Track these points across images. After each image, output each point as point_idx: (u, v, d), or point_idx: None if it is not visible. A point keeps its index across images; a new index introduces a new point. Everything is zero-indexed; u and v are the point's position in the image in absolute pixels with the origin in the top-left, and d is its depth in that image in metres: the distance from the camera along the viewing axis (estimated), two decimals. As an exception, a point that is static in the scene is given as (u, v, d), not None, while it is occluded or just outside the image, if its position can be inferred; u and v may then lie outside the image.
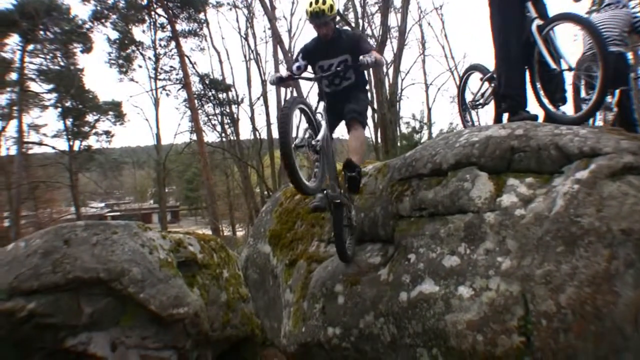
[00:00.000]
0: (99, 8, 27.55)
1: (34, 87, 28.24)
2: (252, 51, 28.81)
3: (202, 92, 29.74)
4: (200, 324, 6.08)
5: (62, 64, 28.62)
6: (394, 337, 3.30)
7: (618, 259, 2.55)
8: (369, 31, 21.63)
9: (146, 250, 5.94)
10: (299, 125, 3.20)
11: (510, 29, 4.05)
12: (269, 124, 27.85)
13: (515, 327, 2.66)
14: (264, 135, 28.71)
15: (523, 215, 2.96)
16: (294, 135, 3.00)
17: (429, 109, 27.90)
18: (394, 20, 22.66)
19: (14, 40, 26.91)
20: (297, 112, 3.09)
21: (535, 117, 3.95)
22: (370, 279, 3.62)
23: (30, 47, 27.22)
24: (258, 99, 28.86)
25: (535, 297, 2.64)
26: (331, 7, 3.85)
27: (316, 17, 3.85)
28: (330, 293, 3.88)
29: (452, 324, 2.90)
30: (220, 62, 31.14)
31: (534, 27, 3.88)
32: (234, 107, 29.93)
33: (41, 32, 26.83)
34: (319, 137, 3.22)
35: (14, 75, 27.14)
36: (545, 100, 3.99)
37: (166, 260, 6.07)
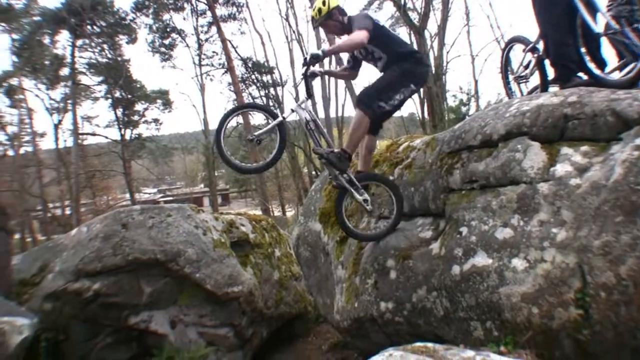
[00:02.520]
0: (140, -1, 28.09)
1: (85, 80, 29.30)
2: (294, 32, 28.71)
3: (246, 75, 29.97)
4: (255, 301, 6.26)
5: (109, 56, 29.51)
6: (447, 311, 3.30)
7: (681, 227, 2.44)
8: (410, 4, 21.10)
9: (200, 231, 6.13)
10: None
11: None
12: (313, 104, 27.80)
13: (572, 299, 2.60)
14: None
15: (579, 185, 2.86)
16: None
17: (476, 81, 27.19)
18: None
19: (64, 36, 27.97)
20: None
21: (589, 84, 3.79)
22: (421, 253, 3.62)
23: (80, 42, 28.13)
24: (302, 79, 28.83)
25: (594, 268, 2.57)
26: (319, 10, 4.16)
27: (312, 22, 4.31)
28: (382, 268, 3.91)
29: (506, 296, 2.87)
30: (263, 44, 31.40)
31: None
32: (278, 89, 30.04)
33: (88, 27, 27.65)
34: (257, 132, 3.82)
35: (66, 71, 28.18)
36: (592, 65, 3.82)
37: (220, 241, 6.26)
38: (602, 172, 2.81)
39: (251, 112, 4.58)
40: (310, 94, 4.10)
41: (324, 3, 4.16)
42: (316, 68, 4.23)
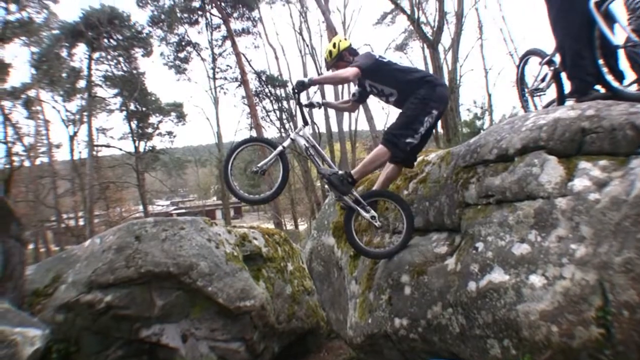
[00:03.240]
0: (155, 13, 28.52)
1: (101, 92, 29.79)
2: (307, 45, 28.92)
3: (260, 88, 30.20)
4: (267, 316, 6.22)
5: (125, 69, 29.97)
6: (463, 328, 3.23)
7: None
8: (423, 18, 21.14)
9: (213, 244, 6.13)
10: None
11: (568, 8, 3.85)
12: (327, 118, 27.91)
13: (593, 317, 2.53)
14: (322, 129, 28.81)
15: (598, 200, 2.80)
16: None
17: (489, 95, 27.08)
18: (449, 5, 22.08)
19: (81, 49, 28.48)
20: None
21: (608, 97, 3.74)
22: (437, 268, 3.56)
23: (96, 55, 28.62)
24: (315, 92, 28.98)
25: (615, 286, 2.50)
26: (330, 52, 4.41)
27: (325, 64, 4.55)
28: (397, 284, 3.86)
29: (524, 314, 2.80)
30: (276, 58, 31.56)
31: (591, 4, 3.68)
32: (291, 102, 30.19)
33: (105, 40, 28.11)
34: (260, 163, 3.95)
35: (82, 83, 28.64)
36: (610, 77, 3.77)
37: (232, 254, 6.25)
38: (622, 186, 2.75)
39: (255, 146, 4.71)
40: (306, 122, 4.20)
41: (334, 45, 4.38)
42: (316, 98, 4.36)
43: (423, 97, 3.98)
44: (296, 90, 3.97)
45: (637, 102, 3.28)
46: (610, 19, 3.62)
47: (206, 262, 5.82)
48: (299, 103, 4.14)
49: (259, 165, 3.93)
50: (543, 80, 4.68)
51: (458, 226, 3.63)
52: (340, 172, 3.99)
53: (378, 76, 4.15)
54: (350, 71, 3.94)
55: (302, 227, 32.22)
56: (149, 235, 5.84)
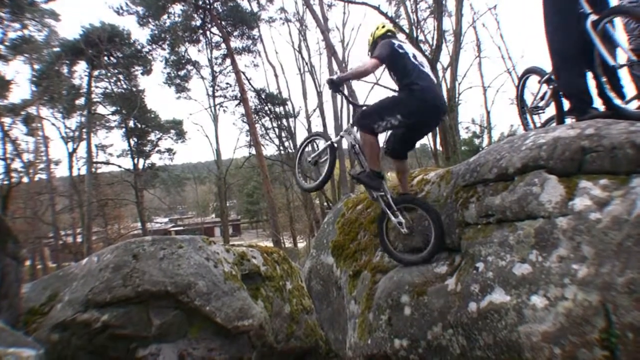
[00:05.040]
0: (156, 32, 28.77)
1: (100, 109, 29.96)
2: (307, 64, 29.15)
3: (259, 106, 30.36)
4: (265, 335, 6.15)
5: (125, 86, 30.13)
6: (463, 349, 3.18)
7: None
8: (421, 37, 21.32)
9: (211, 263, 6.09)
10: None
11: (564, 27, 3.88)
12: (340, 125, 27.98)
13: (596, 339, 2.48)
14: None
15: (599, 219, 2.77)
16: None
17: (488, 112, 27.22)
18: (447, 24, 22.27)
19: (81, 67, 28.68)
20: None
21: (606, 115, 3.74)
22: (437, 289, 3.52)
23: (96, 72, 28.79)
24: (314, 110, 29.15)
25: (619, 307, 2.46)
26: (369, 41, 4.60)
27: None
28: (396, 304, 3.81)
29: (525, 335, 2.76)
30: (276, 76, 31.78)
31: (588, 24, 3.70)
32: (290, 120, 30.33)
33: (105, 58, 28.30)
34: (312, 155, 4.51)
35: (82, 100, 28.80)
36: (612, 95, 3.77)
37: (231, 273, 6.20)
38: (624, 206, 2.72)
39: (316, 139, 4.87)
40: (356, 105, 4.58)
41: (371, 34, 4.57)
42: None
43: (398, 99, 4.08)
44: (332, 90, 4.14)
45: (638, 120, 3.28)
46: (608, 38, 3.63)
47: (204, 281, 5.77)
48: (346, 98, 4.64)
49: (311, 156, 4.47)
50: (542, 98, 4.69)
51: (458, 246, 3.60)
52: (367, 170, 4.14)
53: (391, 66, 4.18)
54: (368, 64, 3.99)
55: (301, 244, 32.10)
56: (147, 253, 5.80)
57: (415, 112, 3.96)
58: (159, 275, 5.60)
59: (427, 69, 4.19)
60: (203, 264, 5.97)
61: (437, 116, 4.16)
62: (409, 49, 4.24)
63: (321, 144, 4.59)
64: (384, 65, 4.17)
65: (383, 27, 4.55)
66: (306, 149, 4.71)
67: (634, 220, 2.60)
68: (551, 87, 4.46)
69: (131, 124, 30.70)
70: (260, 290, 6.61)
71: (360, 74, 4.11)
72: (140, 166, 31.30)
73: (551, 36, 4.00)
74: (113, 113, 30.67)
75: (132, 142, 30.79)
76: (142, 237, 6.53)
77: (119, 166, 30.87)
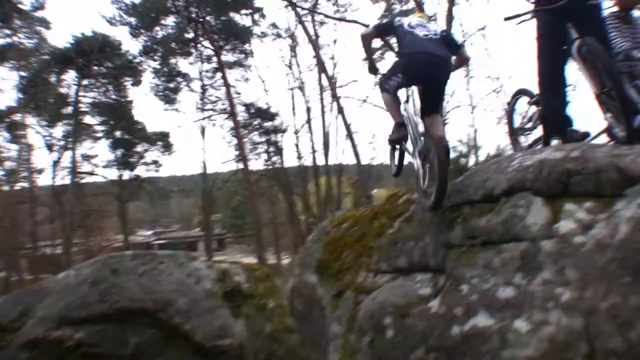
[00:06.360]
0: (148, 43, 28.73)
1: (87, 119, 29.62)
2: (297, 79, 29.24)
3: (248, 121, 30.33)
4: (245, 355, 6.02)
5: (113, 97, 29.91)
6: (447, 374, 3.13)
7: (692, 289, 2.33)
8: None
9: (192, 280, 5.98)
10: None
11: (550, 50, 3.97)
12: (313, 151, 28.04)
13: (580, 365, 2.46)
14: (308, 162, 28.89)
15: (583, 243, 2.76)
16: None
17: (475, 131, 27.40)
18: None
19: (70, 76, 28.46)
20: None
21: (585, 135, 3.84)
22: (420, 311, 3.47)
23: (85, 82, 28.58)
24: (303, 126, 29.16)
25: (601, 332, 2.44)
26: None
27: None
28: (379, 326, 3.74)
29: (509, 360, 2.72)
30: (266, 90, 31.71)
31: (574, 49, 3.76)
32: (279, 135, 30.32)
33: (95, 68, 28.13)
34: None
35: (69, 109, 28.55)
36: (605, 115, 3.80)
37: (212, 291, 6.09)
38: (607, 229, 2.72)
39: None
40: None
41: None
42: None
43: (397, 61, 4.48)
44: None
45: (621, 143, 3.30)
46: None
47: (185, 298, 5.65)
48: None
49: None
50: (530, 119, 4.73)
51: (442, 267, 3.56)
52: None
53: (386, 36, 4.87)
54: (362, 31, 4.75)
55: (286, 261, 31.88)
56: (127, 269, 5.68)
57: (409, 70, 4.26)
58: (138, 292, 5.48)
59: (421, 29, 4.39)
60: (184, 281, 5.86)
61: (431, 68, 4.28)
62: (406, 19, 4.59)
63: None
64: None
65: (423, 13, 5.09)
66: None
67: (617, 244, 2.61)
68: (539, 108, 4.50)
69: (118, 134, 30.43)
70: (242, 308, 6.49)
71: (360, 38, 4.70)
72: (126, 177, 31.02)
73: (538, 58, 4.06)
74: (100, 123, 30.42)
75: (118, 153, 30.53)
76: (123, 251, 6.42)
77: (104, 177, 30.58)
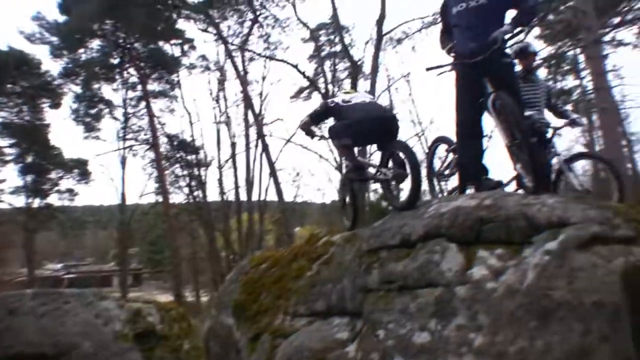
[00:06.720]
0: (70, 65, 27.51)
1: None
2: (223, 114, 28.97)
3: (170, 153, 29.55)
4: (157, 401, 5.71)
5: (27, 118, 28.07)
6: (362, 421, 3.09)
7: (592, 333, 2.47)
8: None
9: (100, 321, 5.63)
10: None
11: (467, 102, 4.17)
12: (237, 187, 27.67)
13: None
14: (231, 198, 28.46)
15: (494, 289, 2.85)
16: None
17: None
18: (362, 86, 23.22)
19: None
20: None
21: (499, 183, 4.08)
22: (337, 355, 3.42)
23: (-3, 100, 26.72)
24: (227, 161, 28.79)
25: (510, 377, 2.51)
26: None
27: None
28: (295, 371, 3.66)
29: (424, 407, 2.72)
30: (191, 123, 31.14)
31: (489, 102, 3.98)
32: (202, 169, 29.70)
33: (9, 86, 26.41)
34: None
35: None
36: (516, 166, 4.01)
37: (122, 332, 5.76)
38: (516, 276, 2.83)
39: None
40: None
41: None
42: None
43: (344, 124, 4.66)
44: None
45: (529, 193, 3.49)
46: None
47: (91, 341, 5.31)
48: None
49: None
50: (448, 167, 4.90)
51: (360, 311, 3.55)
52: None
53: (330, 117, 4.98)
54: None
55: (205, 298, 30.86)
56: (26, 309, 5.27)
57: (356, 134, 4.56)
58: (37, 335, 5.09)
59: (356, 99, 4.76)
60: (91, 322, 5.51)
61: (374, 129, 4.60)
62: (337, 98, 4.98)
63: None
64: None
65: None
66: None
67: (525, 290, 2.71)
68: (456, 156, 4.68)
69: (30, 159, 28.51)
70: (155, 351, 6.17)
71: (301, 129, 5.04)
72: (35, 206, 28.96)
73: (457, 109, 4.23)
74: (10, 146, 28.36)
75: (28, 179, 28.54)
76: (26, 286, 5.95)
77: (10, 204, 28.37)
